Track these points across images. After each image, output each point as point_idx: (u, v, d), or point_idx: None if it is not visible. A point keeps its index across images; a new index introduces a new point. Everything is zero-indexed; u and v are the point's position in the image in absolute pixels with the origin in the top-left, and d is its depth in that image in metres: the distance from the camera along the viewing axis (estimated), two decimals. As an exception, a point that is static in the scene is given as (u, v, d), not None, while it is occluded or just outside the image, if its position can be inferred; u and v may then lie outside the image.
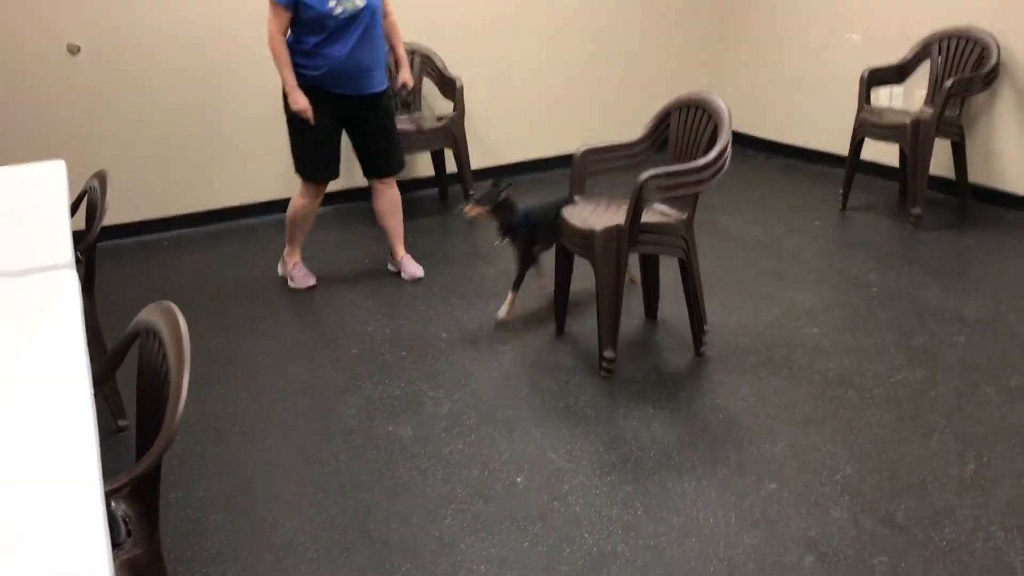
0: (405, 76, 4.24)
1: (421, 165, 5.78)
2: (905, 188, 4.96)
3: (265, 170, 5.26)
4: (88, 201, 3.02)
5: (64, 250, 2.34)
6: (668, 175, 3.17)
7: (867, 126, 4.83)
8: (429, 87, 5.49)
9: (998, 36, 4.63)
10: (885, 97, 5.22)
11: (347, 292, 4.26)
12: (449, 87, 5.31)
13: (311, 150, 4.06)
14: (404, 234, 4.42)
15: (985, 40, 4.65)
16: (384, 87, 4.09)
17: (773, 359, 3.40)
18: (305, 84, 3.91)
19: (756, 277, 4.20)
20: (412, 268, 4.38)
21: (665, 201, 3.43)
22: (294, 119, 3.99)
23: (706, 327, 3.47)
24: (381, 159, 4.19)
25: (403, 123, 5.12)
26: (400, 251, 4.41)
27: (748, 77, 6.41)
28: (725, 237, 4.74)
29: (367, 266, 4.60)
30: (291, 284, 4.35)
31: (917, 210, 4.66)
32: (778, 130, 6.28)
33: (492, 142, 5.92)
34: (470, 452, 2.88)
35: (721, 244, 4.63)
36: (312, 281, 4.32)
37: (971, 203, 4.91)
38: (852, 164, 4.99)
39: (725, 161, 3.16)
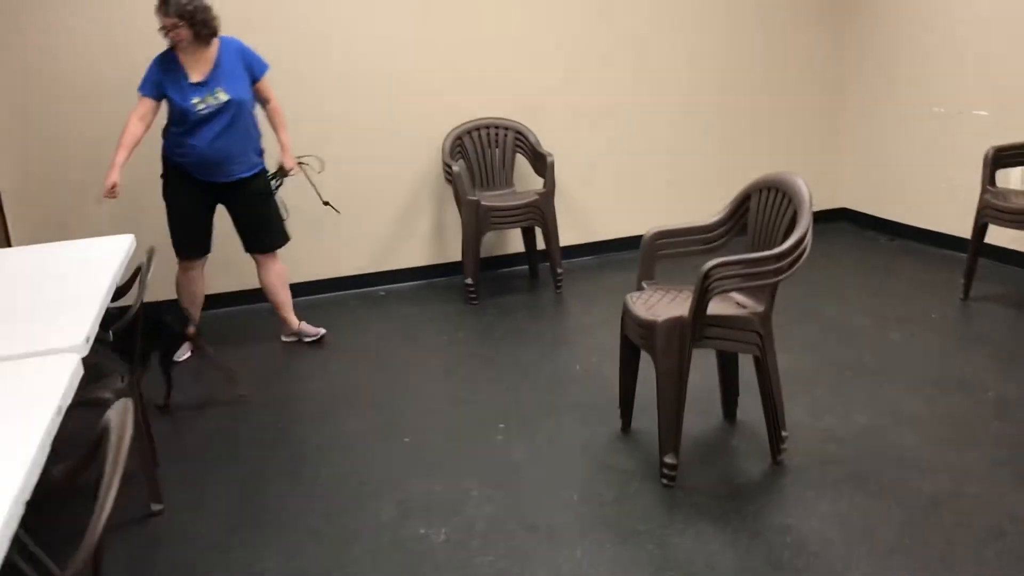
0: (285, 160, 4.40)
1: (511, 242, 5.64)
2: (1037, 278, 4.46)
3: (351, 245, 5.25)
4: (140, 277, 3.00)
5: (77, 333, 2.27)
6: (737, 264, 2.88)
7: (991, 210, 4.37)
8: (521, 163, 5.37)
9: None
10: (1016, 178, 4.74)
11: (417, 375, 4.10)
12: (540, 163, 5.17)
13: (177, 228, 4.27)
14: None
15: None
16: (252, 172, 4.26)
17: (860, 472, 3.00)
18: (176, 168, 4.16)
19: (855, 375, 3.80)
20: (311, 329, 4.60)
21: (743, 291, 3.14)
22: (167, 201, 4.23)
23: (784, 433, 3.11)
24: (254, 237, 4.39)
25: (497, 199, 5.00)
26: (293, 321, 4.58)
27: (868, 153, 6.01)
28: (828, 327, 4.35)
29: (444, 344, 4.45)
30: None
31: (1050, 304, 4.16)
32: (898, 210, 5.83)
33: (583, 219, 5.73)
34: (502, 566, 2.61)
35: (822, 335, 4.24)
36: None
37: (1117, 297, 4.36)
38: (975, 250, 4.53)
39: (804, 250, 2.85)
